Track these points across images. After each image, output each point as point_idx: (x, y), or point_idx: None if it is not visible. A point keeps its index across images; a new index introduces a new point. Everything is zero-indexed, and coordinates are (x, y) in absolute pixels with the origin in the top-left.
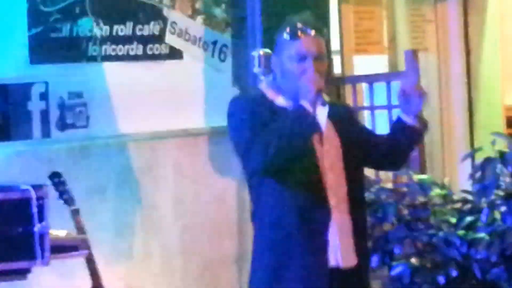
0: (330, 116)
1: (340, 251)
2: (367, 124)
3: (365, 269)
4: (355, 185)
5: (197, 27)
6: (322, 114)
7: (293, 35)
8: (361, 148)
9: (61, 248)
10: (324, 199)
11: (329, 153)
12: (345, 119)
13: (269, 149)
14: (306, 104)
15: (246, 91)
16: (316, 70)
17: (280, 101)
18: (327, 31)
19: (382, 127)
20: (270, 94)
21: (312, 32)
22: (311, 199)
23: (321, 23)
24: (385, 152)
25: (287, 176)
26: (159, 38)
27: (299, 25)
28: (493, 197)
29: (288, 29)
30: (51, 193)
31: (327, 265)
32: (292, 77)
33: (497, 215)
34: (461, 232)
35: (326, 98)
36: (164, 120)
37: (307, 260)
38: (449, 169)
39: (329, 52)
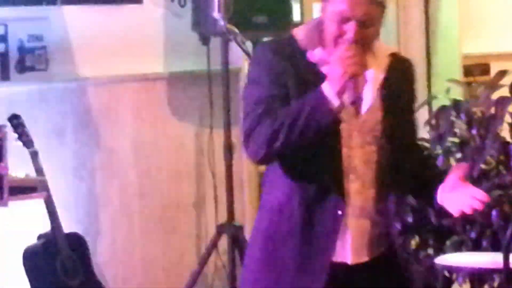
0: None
1: (350, 247)
2: None
3: (387, 264)
4: (389, 169)
5: None
6: (368, 88)
7: None
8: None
9: (20, 190)
10: (340, 187)
11: (363, 129)
12: (399, 90)
13: (275, 142)
14: (330, 91)
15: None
16: (359, 38)
17: (316, 53)
18: None
19: None
20: (303, 42)
21: None
22: (325, 188)
23: None
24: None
25: (294, 161)
26: None
27: None
28: (448, 144)
29: None
30: (10, 135)
31: (328, 260)
32: (328, 37)
33: (453, 162)
34: None
35: (382, 62)
36: (123, 65)
37: (304, 252)
38: None
39: None
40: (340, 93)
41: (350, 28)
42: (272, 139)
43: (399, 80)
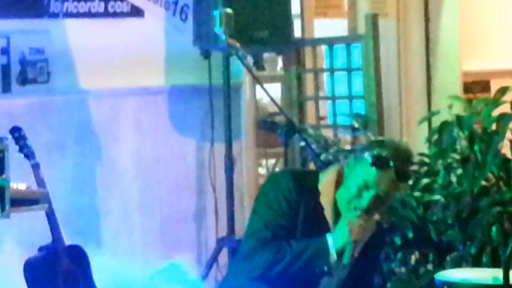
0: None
1: None
2: (327, 86)
3: None
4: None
5: None
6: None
7: (375, 163)
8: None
9: (22, 201)
10: None
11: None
12: (374, 241)
13: (271, 270)
14: (332, 246)
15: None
16: (370, 207)
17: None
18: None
19: (342, 89)
20: (322, 183)
21: (393, 173)
22: None
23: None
24: None
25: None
26: None
27: (387, 158)
28: (449, 160)
29: (374, 155)
30: (12, 147)
31: None
32: (344, 195)
33: (453, 177)
34: (417, 194)
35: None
36: (125, 78)
37: None
38: (407, 132)
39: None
40: (339, 251)
41: (367, 197)
42: (269, 267)
43: (377, 233)
